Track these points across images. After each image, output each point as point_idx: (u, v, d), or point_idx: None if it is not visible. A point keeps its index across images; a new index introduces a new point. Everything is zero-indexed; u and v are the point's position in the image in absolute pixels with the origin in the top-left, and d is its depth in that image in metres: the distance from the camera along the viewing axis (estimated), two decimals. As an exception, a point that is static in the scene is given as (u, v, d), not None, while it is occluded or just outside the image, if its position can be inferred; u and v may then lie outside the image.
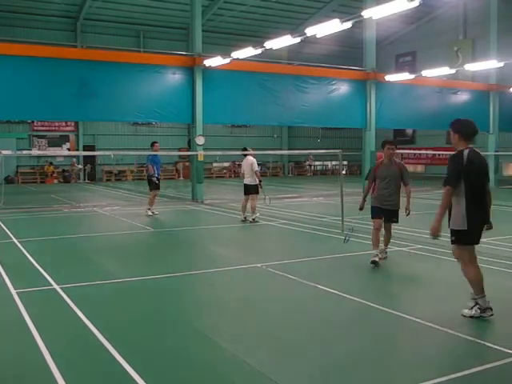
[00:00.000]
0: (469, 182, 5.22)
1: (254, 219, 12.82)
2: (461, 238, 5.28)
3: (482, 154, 5.56)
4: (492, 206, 5.53)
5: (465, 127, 5.42)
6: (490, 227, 5.46)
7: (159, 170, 14.47)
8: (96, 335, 4.92)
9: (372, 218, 8.16)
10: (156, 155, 14.38)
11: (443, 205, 5.24)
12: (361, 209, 8.29)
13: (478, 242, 5.37)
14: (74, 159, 31.45)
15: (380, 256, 7.97)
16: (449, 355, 4.56)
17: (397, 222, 8.25)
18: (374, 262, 7.79)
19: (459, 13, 32.35)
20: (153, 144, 14.43)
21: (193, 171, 18.98)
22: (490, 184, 5.55)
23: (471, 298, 5.39)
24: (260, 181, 12.98)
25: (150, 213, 14.09)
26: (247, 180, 13.03)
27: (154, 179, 14.12)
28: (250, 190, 12.94)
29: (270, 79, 19.80)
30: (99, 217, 14.65)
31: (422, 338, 4.95)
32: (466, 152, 5.28)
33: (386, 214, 8.09)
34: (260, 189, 12.93)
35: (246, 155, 13.32)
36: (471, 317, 5.33)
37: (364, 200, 8.29)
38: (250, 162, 13.03)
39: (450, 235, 5.38)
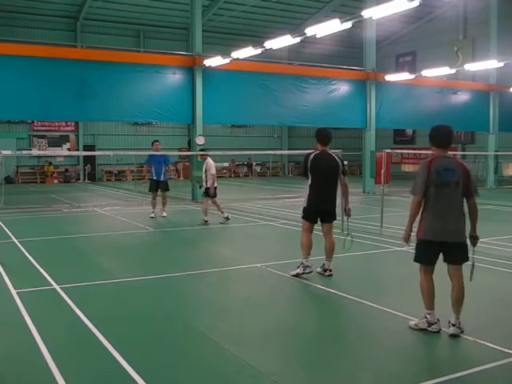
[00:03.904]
0: (314, 175, 7.08)
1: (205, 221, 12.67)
2: (304, 213, 7.22)
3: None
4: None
5: (320, 135, 7.26)
6: (348, 214, 7.48)
7: (159, 171, 13.74)
8: (96, 335, 4.92)
9: (418, 261, 5.07)
10: (154, 155, 14.11)
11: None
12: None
13: (312, 221, 7.17)
14: None
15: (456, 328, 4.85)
16: (449, 355, 4.55)
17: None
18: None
19: (459, 13, 32.31)
20: (152, 143, 14.42)
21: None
22: (345, 178, 7.37)
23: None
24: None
25: (152, 215, 13.79)
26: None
27: (151, 179, 13.94)
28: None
29: (270, 79, 19.79)
30: (99, 217, 14.65)
31: (422, 338, 4.95)
32: (313, 154, 7.12)
33: (448, 254, 4.90)
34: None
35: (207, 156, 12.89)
36: (296, 275, 7.02)
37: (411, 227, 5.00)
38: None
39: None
